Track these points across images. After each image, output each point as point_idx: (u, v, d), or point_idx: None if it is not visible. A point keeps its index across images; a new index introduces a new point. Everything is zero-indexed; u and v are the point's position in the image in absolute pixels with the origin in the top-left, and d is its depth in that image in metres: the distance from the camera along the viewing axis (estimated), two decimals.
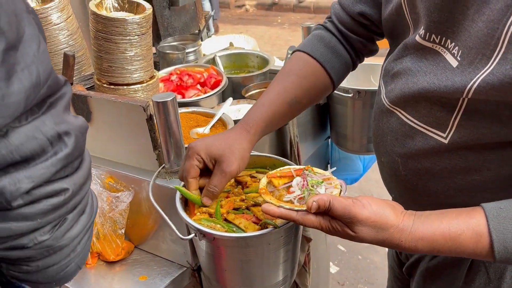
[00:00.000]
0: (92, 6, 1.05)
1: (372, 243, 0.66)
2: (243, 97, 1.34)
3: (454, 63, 0.66)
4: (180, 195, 0.87)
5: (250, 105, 1.26)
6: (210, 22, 5.63)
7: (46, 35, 1.11)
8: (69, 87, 0.55)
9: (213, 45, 1.81)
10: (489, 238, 0.61)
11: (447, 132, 0.69)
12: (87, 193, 0.57)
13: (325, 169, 1.57)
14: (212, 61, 1.54)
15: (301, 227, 0.88)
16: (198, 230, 0.79)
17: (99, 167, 1.05)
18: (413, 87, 0.73)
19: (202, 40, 1.76)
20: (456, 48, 0.66)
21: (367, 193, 2.85)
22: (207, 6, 5.39)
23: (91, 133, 0.83)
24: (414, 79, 0.73)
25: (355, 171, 1.69)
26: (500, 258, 0.61)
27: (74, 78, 1.14)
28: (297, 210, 0.69)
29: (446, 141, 0.70)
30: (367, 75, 1.53)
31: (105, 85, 1.10)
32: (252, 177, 0.95)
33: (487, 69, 0.61)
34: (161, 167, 0.98)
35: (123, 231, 1.00)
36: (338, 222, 0.66)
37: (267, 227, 0.80)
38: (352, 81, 1.57)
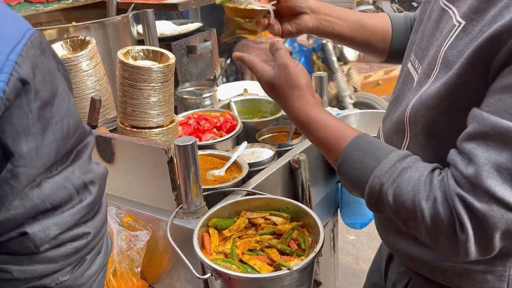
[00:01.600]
0: (120, 55, 1.14)
1: (273, 88, 0.80)
2: (257, 141, 1.40)
3: (414, 85, 0.76)
4: (198, 234, 0.91)
5: (264, 149, 1.32)
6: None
7: (75, 81, 1.19)
8: (93, 136, 0.59)
9: (228, 91, 1.89)
10: (345, 145, 0.70)
11: None
12: (104, 234, 0.61)
13: (335, 212, 1.60)
14: (227, 106, 1.61)
15: (314, 269, 0.91)
16: (214, 269, 0.82)
17: (119, 206, 1.10)
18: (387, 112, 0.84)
19: (217, 86, 1.85)
20: (420, 72, 0.75)
21: (376, 238, 2.82)
22: None
23: (113, 174, 0.87)
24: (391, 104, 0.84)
25: (365, 216, 1.71)
26: (339, 165, 0.71)
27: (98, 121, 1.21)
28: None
29: None
30: (375, 122, 1.58)
31: (127, 128, 1.17)
32: (266, 219, 0.99)
33: (424, 88, 0.69)
34: (179, 207, 1.02)
35: (139, 269, 1.03)
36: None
37: (281, 269, 0.82)
38: (361, 128, 1.63)
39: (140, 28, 1.74)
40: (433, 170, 0.64)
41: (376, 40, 0.99)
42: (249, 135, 1.46)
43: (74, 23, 1.35)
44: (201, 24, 1.99)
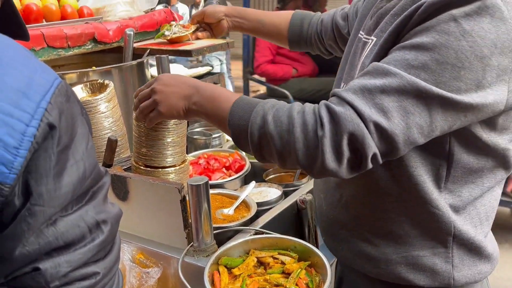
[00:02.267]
0: None
1: (177, 77, 0.98)
2: (264, 181, 1.44)
3: None
4: (208, 272, 0.94)
5: (271, 188, 1.36)
6: None
7: (93, 122, 1.26)
8: (108, 178, 0.62)
9: None
10: (235, 99, 0.86)
11: None
12: (115, 273, 0.62)
13: None
14: (235, 146, 1.67)
15: None
16: None
17: (130, 243, 1.13)
18: None
19: None
20: None
21: None
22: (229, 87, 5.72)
23: (126, 211, 0.91)
24: None
25: None
26: (230, 113, 0.84)
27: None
28: None
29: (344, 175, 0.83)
30: None
31: (141, 167, 1.21)
32: (274, 258, 1.02)
33: None
34: (190, 245, 1.05)
35: None
36: None
37: None
38: None
39: (153, 70, 1.83)
40: None
41: (275, 33, 1.33)
42: (257, 174, 1.50)
43: (94, 68, 1.43)
44: (210, 68, 2.09)
